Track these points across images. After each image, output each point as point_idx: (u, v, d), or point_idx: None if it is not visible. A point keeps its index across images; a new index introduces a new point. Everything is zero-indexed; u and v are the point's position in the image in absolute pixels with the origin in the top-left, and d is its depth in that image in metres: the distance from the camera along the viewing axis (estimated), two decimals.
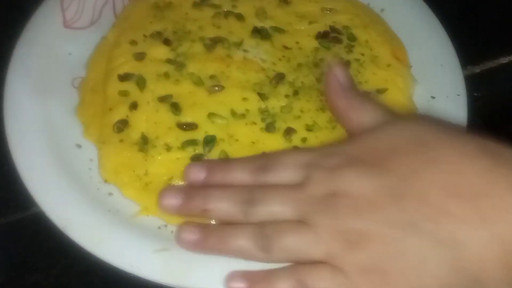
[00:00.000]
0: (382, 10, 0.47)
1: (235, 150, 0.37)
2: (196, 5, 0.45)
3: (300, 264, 0.29)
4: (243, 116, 0.38)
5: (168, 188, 0.34)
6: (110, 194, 0.36)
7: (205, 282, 0.32)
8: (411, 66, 0.44)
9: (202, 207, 0.31)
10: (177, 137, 0.37)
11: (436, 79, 0.43)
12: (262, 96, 0.39)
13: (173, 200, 0.32)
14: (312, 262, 0.29)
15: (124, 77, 0.40)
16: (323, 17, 0.45)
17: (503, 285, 0.26)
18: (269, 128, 0.38)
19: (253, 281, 0.30)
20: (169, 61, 0.41)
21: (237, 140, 0.37)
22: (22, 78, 0.38)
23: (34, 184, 0.34)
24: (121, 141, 0.37)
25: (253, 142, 0.37)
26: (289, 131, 0.38)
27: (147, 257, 0.33)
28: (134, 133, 0.37)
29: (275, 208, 0.30)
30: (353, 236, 0.28)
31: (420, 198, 0.27)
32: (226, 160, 0.35)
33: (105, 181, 0.36)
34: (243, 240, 0.30)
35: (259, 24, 0.44)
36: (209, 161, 0.35)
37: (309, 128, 0.38)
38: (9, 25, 0.41)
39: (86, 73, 0.41)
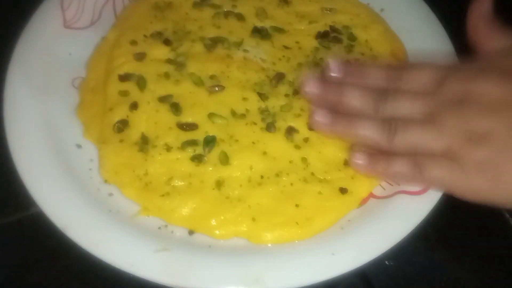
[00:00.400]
0: (382, 9, 0.47)
1: (235, 151, 0.37)
2: (196, 5, 0.45)
3: (420, 154, 0.33)
4: (243, 116, 0.38)
5: (311, 78, 0.37)
6: (111, 194, 0.36)
7: (205, 282, 0.32)
8: None
9: (338, 98, 0.36)
10: (177, 137, 0.37)
11: None
12: (262, 96, 0.39)
13: (314, 88, 0.37)
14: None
15: (124, 77, 0.40)
16: (323, 17, 0.45)
17: None
18: (270, 127, 0.38)
19: (374, 158, 0.35)
20: (169, 61, 0.41)
21: (237, 140, 0.37)
22: (22, 78, 0.38)
23: (34, 184, 0.34)
24: (121, 141, 0.37)
25: (253, 142, 0.37)
26: (290, 131, 0.38)
27: (147, 257, 0.33)
28: (134, 133, 0.37)
29: (404, 106, 0.34)
30: (476, 133, 0.31)
31: None
32: (363, 65, 0.40)
33: (105, 181, 0.36)
34: (370, 128, 0.34)
35: (259, 24, 0.44)
36: (348, 63, 0.39)
37: (310, 127, 0.38)
38: (9, 25, 0.41)
39: (86, 73, 0.41)
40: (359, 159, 0.35)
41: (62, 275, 0.36)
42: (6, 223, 0.38)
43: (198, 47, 0.42)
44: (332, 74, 0.37)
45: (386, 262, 0.38)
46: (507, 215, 0.41)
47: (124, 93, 0.39)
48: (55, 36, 0.41)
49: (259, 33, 0.43)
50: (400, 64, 0.38)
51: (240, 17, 0.44)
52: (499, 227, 0.41)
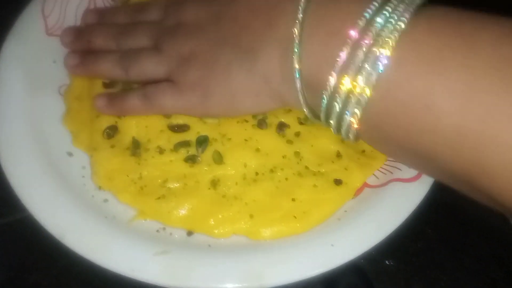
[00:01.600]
0: None
1: (229, 149, 0.37)
2: None
3: (148, 84, 0.36)
4: None
5: (65, 29, 0.41)
6: (106, 200, 0.36)
7: (207, 281, 0.32)
8: None
9: (87, 40, 0.39)
10: (169, 139, 0.37)
11: None
12: None
13: (67, 36, 0.40)
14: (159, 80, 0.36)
15: (109, 84, 0.39)
16: None
17: (278, 77, 0.31)
18: (261, 124, 0.38)
19: (112, 98, 0.37)
20: None
21: (229, 139, 0.37)
22: (7, 89, 0.38)
23: (28, 196, 0.34)
24: (113, 146, 0.37)
25: (246, 140, 0.37)
26: (281, 126, 0.38)
27: (148, 261, 0.32)
28: (125, 138, 0.37)
29: (141, 38, 0.37)
30: (185, 55, 0.34)
31: (232, 19, 0.33)
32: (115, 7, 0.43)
33: (99, 188, 0.36)
34: (109, 62, 0.37)
35: None
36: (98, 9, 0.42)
37: (301, 122, 0.38)
38: None
39: (70, 81, 0.40)
40: (99, 102, 0.37)
41: (62, 275, 0.36)
42: (6, 223, 0.38)
43: None
44: (84, 22, 0.41)
45: (386, 262, 0.38)
46: (507, 215, 0.41)
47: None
48: (38, 44, 0.40)
49: None
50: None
51: None
52: (499, 227, 0.40)
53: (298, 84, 0.29)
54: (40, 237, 0.33)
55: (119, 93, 0.37)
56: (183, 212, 0.35)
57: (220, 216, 0.35)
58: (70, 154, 0.37)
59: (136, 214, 0.35)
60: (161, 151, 0.36)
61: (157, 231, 0.35)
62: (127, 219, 0.35)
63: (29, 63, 0.39)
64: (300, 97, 0.30)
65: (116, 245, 0.33)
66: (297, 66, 0.29)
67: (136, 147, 0.37)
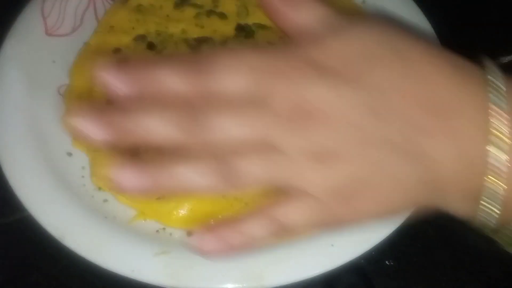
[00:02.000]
0: (363, 1, 0.47)
1: None
2: (177, 6, 0.44)
3: (272, 203, 0.26)
4: None
5: (81, 108, 0.24)
6: (105, 200, 0.36)
7: (207, 281, 0.32)
8: None
9: (133, 133, 0.24)
10: None
11: None
12: None
13: (89, 128, 0.24)
14: (283, 194, 0.26)
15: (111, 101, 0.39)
16: None
17: (458, 193, 0.27)
18: None
19: (223, 232, 0.26)
20: None
21: None
22: (7, 89, 0.38)
23: (28, 195, 0.34)
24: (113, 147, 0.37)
25: None
26: None
27: (148, 261, 0.32)
28: None
29: (232, 129, 0.24)
30: (328, 157, 0.25)
31: (397, 114, 0.25)
32: (150, 62, 0.25)
33: (99, 188, 0.36)
34: (199, 173, 0.25)
35: (242, 22, 0.44)
36: (128, 65, 0.25)
37: None
38: None
39: (69, 81, 0.40)
40: (209, 244, 0.26)
41: (62, 275, 0.36)
42: (6, 223, 0.37)
43: (183, 49, 0.41)
44: (112, 90, 0.24)
45: (386, 262, 0.38)
46: None
47: (111, 102, 0.39)
48: (38, 45, 0.40)
49: (243, 30, 0.43)
50: (200, 58, 0.26)
51: (222, 16, 0.44)
52: None
53: (496, 210, 0.26)
54: (40, 237, 0.33)
55: (227, 223, 0.26)
56: (183, 212, 0.35)
57: (220, 217, 0.35)
58: (69, 154, 0.37)
59: (136, 214, 0.35)
60: (161, 152, 0.36)
61: (157, 231, 0.35)
62: (127, 219, 0.35)
63: (28, 63, 0.39)
64: (492, 220, 0.27)
65: (116, 245, 0.33)
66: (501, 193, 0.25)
67: (136, 148, 0.37)
